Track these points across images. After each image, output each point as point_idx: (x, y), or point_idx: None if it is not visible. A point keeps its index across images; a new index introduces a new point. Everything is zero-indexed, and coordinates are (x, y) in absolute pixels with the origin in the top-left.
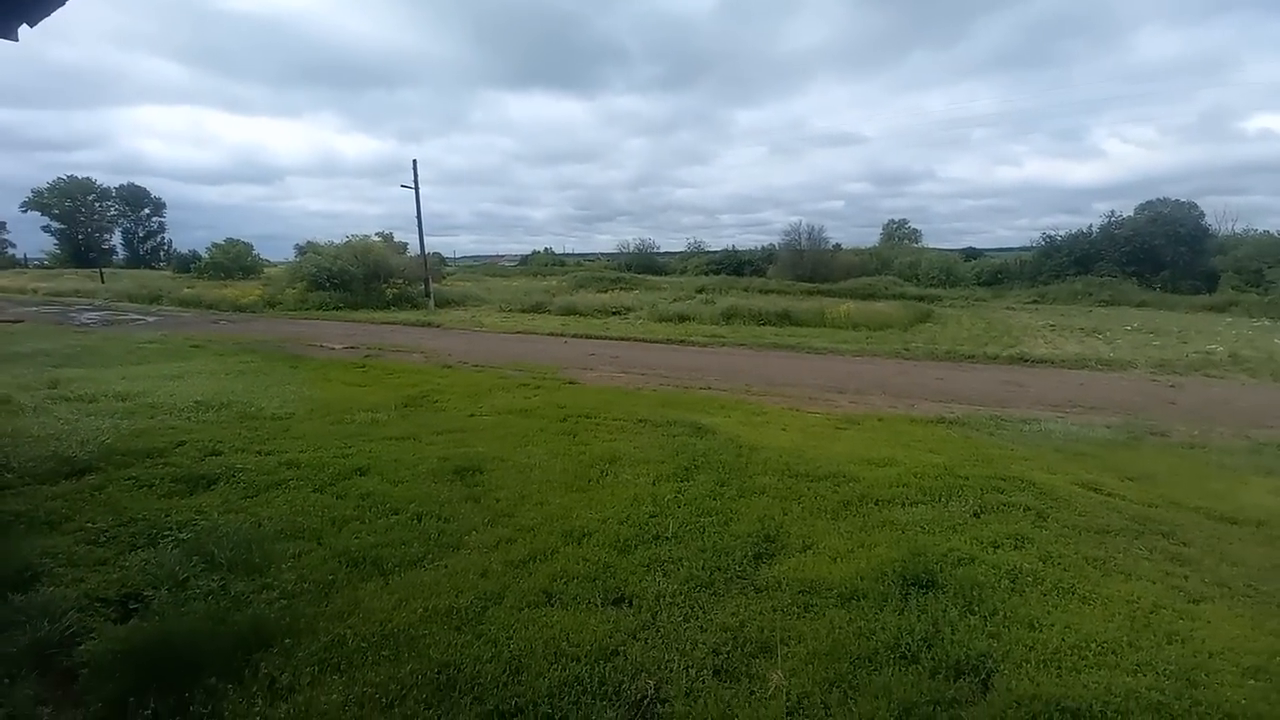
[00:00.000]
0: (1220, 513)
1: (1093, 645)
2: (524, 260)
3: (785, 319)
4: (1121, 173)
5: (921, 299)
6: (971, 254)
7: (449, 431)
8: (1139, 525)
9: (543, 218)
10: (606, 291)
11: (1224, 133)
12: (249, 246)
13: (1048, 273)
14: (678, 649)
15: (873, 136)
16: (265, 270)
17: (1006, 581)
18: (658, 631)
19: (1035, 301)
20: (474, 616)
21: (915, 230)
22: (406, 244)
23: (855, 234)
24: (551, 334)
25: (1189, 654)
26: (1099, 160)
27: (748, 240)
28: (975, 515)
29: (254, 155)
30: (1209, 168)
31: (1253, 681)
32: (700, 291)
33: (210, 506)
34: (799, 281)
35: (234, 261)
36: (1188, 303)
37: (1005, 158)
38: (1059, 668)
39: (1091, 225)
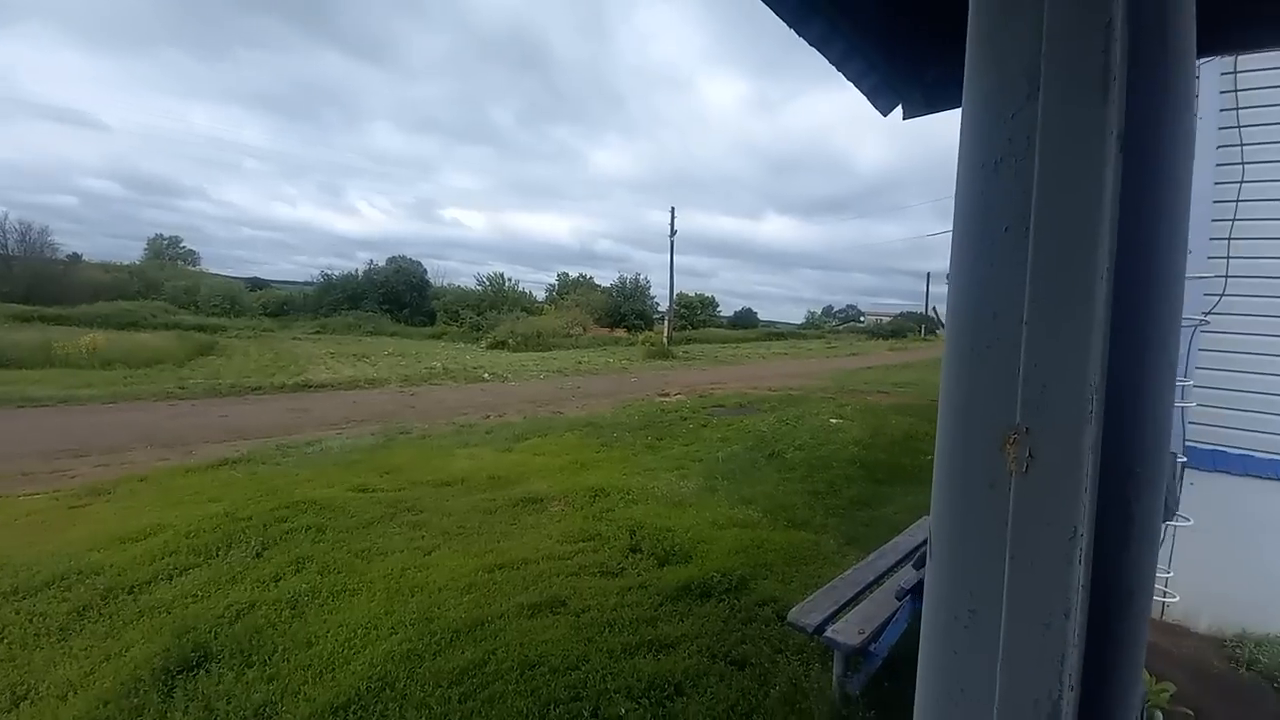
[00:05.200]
0: (441, 480)
1: (359, 631)
2: None
3: None
4: (373, 230)
5: (202, 329)
6: (258, 284)
7: None
8: (393, 509)
9: None
10: None
11: (431, 216)
12: None
13: (327, 307)
14: None
15: (120, 128)
16: None
17: (288, 612)
18: None
19: (319, 332)
20: None
21: (192, 251)
22: None
23: (105, 245)
24: None
25: (426, 598)
26: (355, 217)
27: None
28: (258, 555)
29: None
30: (425, 238)
31: (468, 596)
32: None
33: None
34: (6, 302)
35: None
36: (420, 333)
37: (281, 195)
38: (333, 671)
39: (358, 270)
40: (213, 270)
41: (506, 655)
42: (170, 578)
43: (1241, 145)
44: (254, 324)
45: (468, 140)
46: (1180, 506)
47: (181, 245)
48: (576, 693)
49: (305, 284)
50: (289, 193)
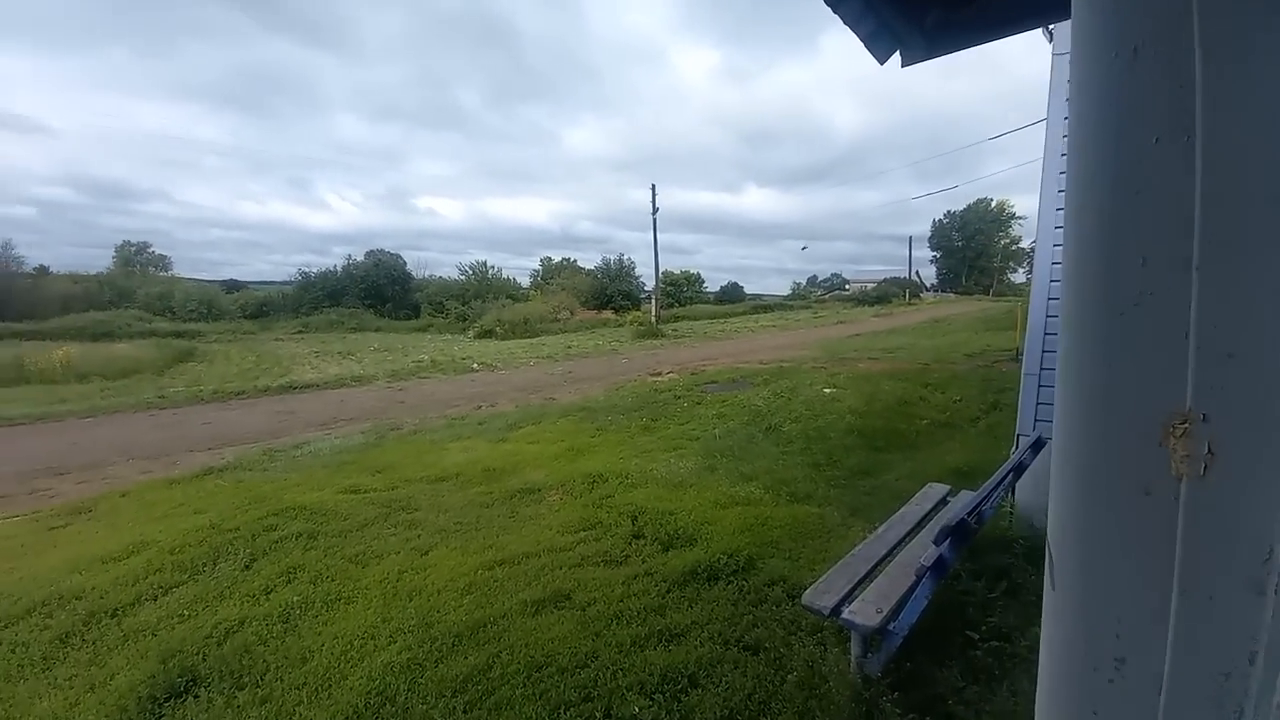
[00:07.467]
0: (434, 476)
1: (356, 643)
2: None
3: None
4: (346, 224)
5: (180, 335)
6: (234, 286)
7: None
8: (386, 509)
9: None
10: None
11: (405, 206)
12: None
13: (308, 305)
14: None
15: (69, 131)
16: None
17: (279, 626)
18: None
19: (300, 331)
20: None
21: (162, 256)
22: None
23: (68, 255)
24: None
25: (425, 602)
26: (327, 211)
27: None
28: (246, 568)
29: None
30: (401, 229)
31: (468, 597)
32: None
33: None
34: None
35: None
36: (405, 326)
37: (247, 193)
38: (329, 688)
39: (336, 266)
40: (185, 275)
41: (511, 658)
42: (155, 597)
43: None
44: (233, 327)
45: (434, 125)
46: None
47: (150, 251)
48: (587, 692)
49: (283, 283)
50: (255, 190)
